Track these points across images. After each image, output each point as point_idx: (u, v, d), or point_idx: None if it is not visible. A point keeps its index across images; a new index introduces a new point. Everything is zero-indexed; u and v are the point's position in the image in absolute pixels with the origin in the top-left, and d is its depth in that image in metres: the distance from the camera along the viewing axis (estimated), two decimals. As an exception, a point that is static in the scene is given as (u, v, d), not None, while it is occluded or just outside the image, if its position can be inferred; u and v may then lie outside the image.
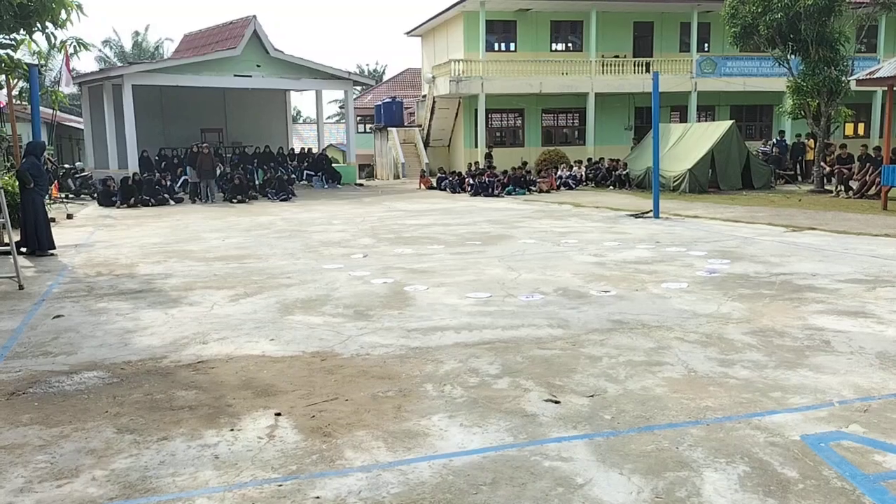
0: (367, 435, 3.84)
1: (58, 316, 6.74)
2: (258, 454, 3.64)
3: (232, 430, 3.95)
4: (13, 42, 11.28)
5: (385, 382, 4.68)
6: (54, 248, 10.88)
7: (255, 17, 25.48)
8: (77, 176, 25.00)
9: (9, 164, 14.47)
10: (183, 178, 23.79)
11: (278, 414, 4.16)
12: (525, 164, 25.18)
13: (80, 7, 10.88)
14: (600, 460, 3.49)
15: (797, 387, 4.46)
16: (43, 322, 6.53)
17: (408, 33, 34.98)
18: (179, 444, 3.77)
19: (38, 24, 10.75)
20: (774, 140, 25.98)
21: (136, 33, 51.22)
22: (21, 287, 8.10)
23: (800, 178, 23.25)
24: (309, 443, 3.76)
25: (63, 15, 10.67)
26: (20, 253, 9.76)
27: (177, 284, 8.23)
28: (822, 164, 20.06)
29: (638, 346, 5.40)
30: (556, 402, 4.26)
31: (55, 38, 11.14)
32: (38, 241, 10.63)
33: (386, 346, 5.50)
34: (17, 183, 10.90)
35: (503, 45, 30.19)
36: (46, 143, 14.40)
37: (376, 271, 8.80)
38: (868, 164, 18.10)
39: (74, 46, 11.95)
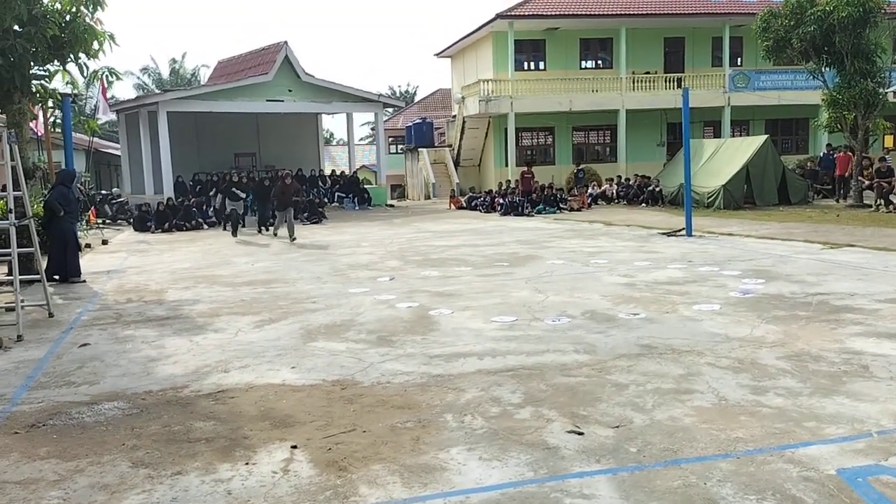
0: (382, 469, 3.75)
1: (84, 344, 6.78)
2: (271, 490, 3.56)
3: (247, 463, 3.88)
4: (47, 73, 11.52)
5: (404, 412, 4.58)
6: (80, 274, 10.96)
7: (286, 42, 25.84)
8: (114, 202, 25.45)
9: (45, 192, 14.73)
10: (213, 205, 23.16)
11: (294, 447, 4.08)
12: (551, 184, 24.93)
13: (112, 37, 11.06)
14: (624, 497, 3.35)
15: (833, 416, 4.26)
16: (69, 351, 6.57)
17: (437, 54, 35.18)
18: (193, 479, 3.71)
19: (72, 56, 10.97)
20: (822, 153, 25.29)
21: (174, 60, 52.18)
22: (51, 315, 8.19)
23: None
24: (323, 478, 3.67)
25: (95, 46, 10.87)
26: (50, 281, 9.87)
27: (203, 311, 8.25)
28: (860, 177, 19.59)
29: (667, 372, 5.23)
30: (580, 434, 4.12)
31: (87, 68, 11.35)
32: (70, 269, 10.76)
33: (407, 374, 5.41)
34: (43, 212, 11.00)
35: (532, 63, 30.20)
36: (78, 172, 14.61)
37: (402, 295, 8.73)
38: (909, 178, 17.64)
39: (106, 76, 12.16)
